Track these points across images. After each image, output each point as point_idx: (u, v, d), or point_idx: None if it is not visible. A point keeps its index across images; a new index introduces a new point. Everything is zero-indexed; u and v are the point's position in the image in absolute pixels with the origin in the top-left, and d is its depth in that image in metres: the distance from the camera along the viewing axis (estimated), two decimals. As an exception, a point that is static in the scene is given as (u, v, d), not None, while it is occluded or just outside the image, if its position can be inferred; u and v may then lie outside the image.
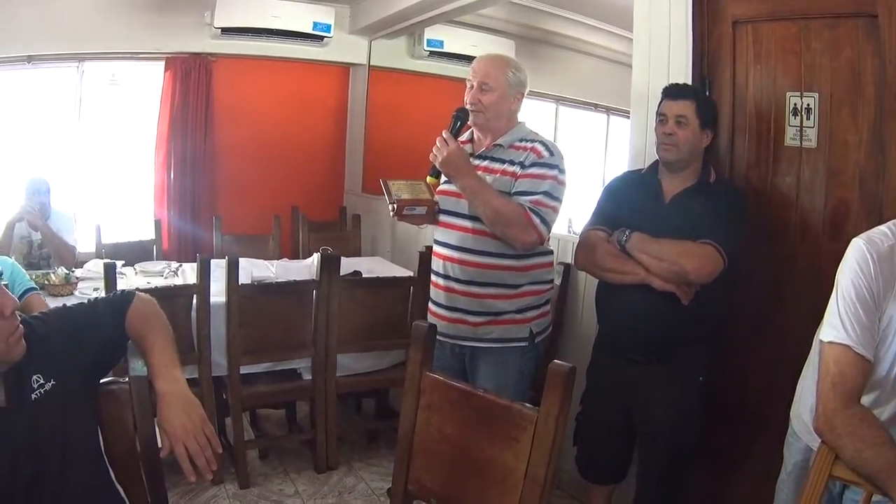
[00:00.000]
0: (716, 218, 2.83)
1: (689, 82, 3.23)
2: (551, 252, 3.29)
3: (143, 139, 6.89)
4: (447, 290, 3.20)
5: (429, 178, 3.21)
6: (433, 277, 3.30)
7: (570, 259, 3.89)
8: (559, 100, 9.12)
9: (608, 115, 9.62)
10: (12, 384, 1.78)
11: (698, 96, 2.99)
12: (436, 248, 3.28)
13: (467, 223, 3.11)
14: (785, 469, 2.42)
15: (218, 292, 3.99)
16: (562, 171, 3.07)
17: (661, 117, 2.97)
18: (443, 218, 3.24)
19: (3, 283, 1.77)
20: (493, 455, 1.91)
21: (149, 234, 6.21)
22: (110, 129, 6.83)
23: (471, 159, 3.15)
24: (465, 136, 3.28)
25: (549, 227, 3.04)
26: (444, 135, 3.09)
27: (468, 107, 3.14)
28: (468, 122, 3.19)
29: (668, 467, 3.05)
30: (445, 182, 3.20)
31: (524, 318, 3.15)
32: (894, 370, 1.89)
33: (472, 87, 3.14)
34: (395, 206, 3.18)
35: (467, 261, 3.11)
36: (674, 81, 3.10)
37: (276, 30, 6.76)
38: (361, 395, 5.20)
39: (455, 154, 3.05)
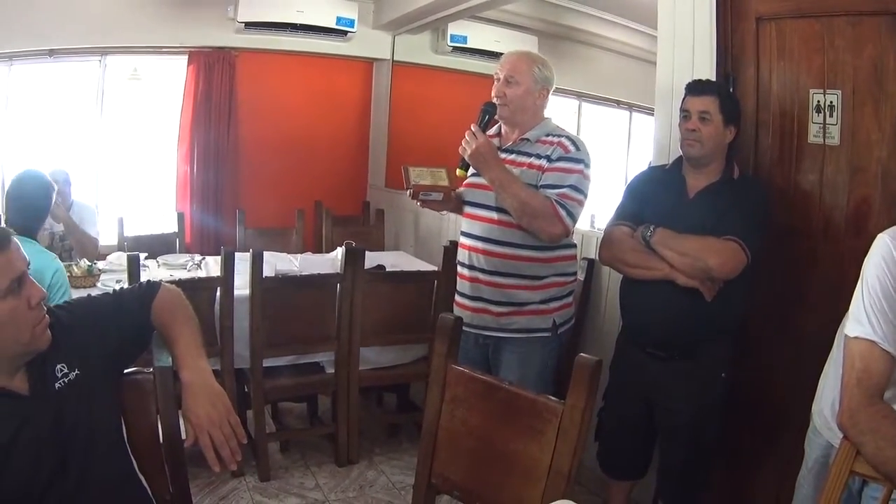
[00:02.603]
0: (739, 214, 2.83)
1: (713, 79, 3.23)
2: (575, 245, 3.34)
3: (166, 133, 6.92)
4: (472, 280, 3.24)
5: (458, 171, 3.24)
6: (459, 268, 3.35)
7: (593, 254, 3.91)
8: (582, 96, 9.07)
9: (630, 111, 9.56)
10: (36, 373, 1.79)
11: (721, 92, 2.98)
12: (462, 240, 3.33)
13: (494, 214, 3.16)
14: (806, 465, 2.42)
15: (241, 285, 4.00)
16: (587, 166, 3.12)
17: (685, 113, 2.98)
18: (470, 209, 3.29)
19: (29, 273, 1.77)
20: (518, 448, 1.92)
21: (171, 227, 6.23)
22: (132, 122, 6.86)
23: (498, 152, 3.18)
24: (493, 131, 3.33)
25: (574, 219, 3.08)
26: (472, 128, 3.13)
27: (494, 100, 3.20)
28: (496, 116, 3.23)
29: (688, 463, 3.07)
30: (473, 174, 3.24)
31: (548, 308, 3.19)
32: None
33: (498, 80, 3.20)
34: (412, 190, 3.26)
35: (493, 251, 3.16)
36: (697, 78, 3.10)
37: (300, 24, 6.74)
38: (383, 389, 5.21)
39: (483, 147, 3.08)
